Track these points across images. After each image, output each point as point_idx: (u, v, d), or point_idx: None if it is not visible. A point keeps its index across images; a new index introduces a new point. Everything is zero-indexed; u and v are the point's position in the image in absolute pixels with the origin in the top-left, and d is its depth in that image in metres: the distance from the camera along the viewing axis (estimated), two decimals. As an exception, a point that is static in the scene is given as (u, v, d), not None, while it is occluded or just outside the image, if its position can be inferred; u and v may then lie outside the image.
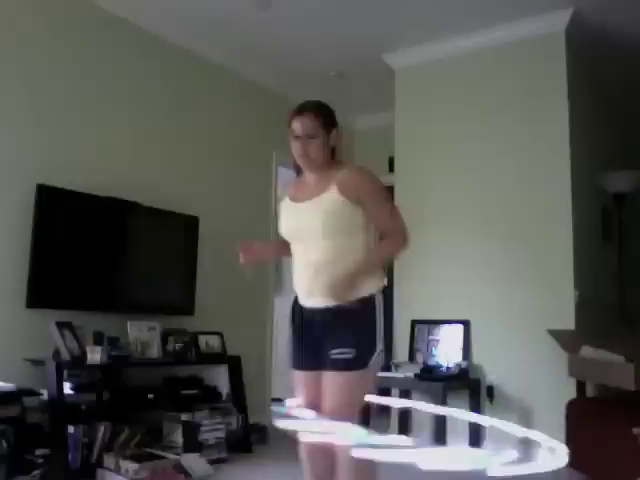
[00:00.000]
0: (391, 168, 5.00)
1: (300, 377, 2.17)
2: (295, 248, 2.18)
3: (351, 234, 2.08)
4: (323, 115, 2.13)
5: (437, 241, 4.43)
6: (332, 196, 2.07)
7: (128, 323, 3.75)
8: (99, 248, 3.77)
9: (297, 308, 2.18)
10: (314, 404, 2.09)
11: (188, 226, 4.32)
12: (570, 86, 4.15)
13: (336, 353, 2.01)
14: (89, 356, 3.41)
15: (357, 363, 2.00)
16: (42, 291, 3.45)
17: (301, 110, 2.13)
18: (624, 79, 5.03)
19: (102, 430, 3.34)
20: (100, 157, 3.95)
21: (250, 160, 5.14)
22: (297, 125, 2.11)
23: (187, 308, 4.25)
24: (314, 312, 2.10)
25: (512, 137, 4.28)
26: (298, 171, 2.25)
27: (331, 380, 2.02)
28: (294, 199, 2.20)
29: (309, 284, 2.10)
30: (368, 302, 2.06)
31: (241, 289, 4.90)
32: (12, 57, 3.56)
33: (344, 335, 2.02)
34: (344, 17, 4.22)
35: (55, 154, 3.72)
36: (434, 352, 4.31)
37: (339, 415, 1.94)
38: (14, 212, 3.47)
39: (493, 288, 4.19)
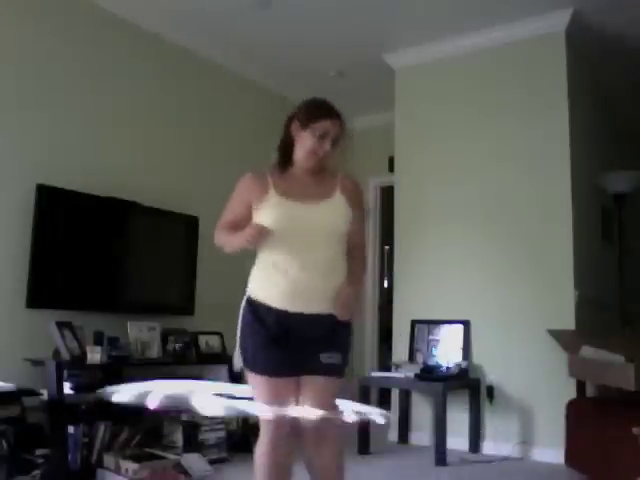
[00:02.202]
0: (391, 168, 5.00)
1: (275, 385, 1.99)
2: (283, 246, 2.02)
3: (344, 242, 2.11)
4: (344, 125, 2.16)
5: (437, 241, 4.43)
6: (343, 201, 2.10)
7: (128, 323, 3.75)
8: (99, 248, 3.77)
9: (267, 312, 2.06)
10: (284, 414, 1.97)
11: (188, 226, 4.32)
12: (570, 86, 4.15)
13: (327, 357, 2.01)
14: (89, 356, 3.41)
15: (343, 369, 2.06)
16: (42, 291, 3.45)
17: (334, 113, 2.11)
18: (624, 79, 5.03)
19: (102, 430, 3.34)
20: (100, 157, 3.95)
21: (250, 160, 5.11)
22: (328, 126, 2.08)
23: (187, 308, 4.25)
24: (302, 316, 2.00)
25: (512, 137, 4.28)
26: (282, 165, 2.20)
27: (324, 384, 2.03)
28: (290, 196, 2.06)
29: (305, 287, 2.00)
30: None
31: (241, 289, 4.88)
32: (12, 57, 3.56)
33: (339, 341, 2.06)
34: (344, 17, 4.21)
35: (55, 154, 3.72)
36: (434, 352, 4.31)
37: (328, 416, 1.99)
38: (14, 212, 3.47)
39: (493, 288, 4.20)
